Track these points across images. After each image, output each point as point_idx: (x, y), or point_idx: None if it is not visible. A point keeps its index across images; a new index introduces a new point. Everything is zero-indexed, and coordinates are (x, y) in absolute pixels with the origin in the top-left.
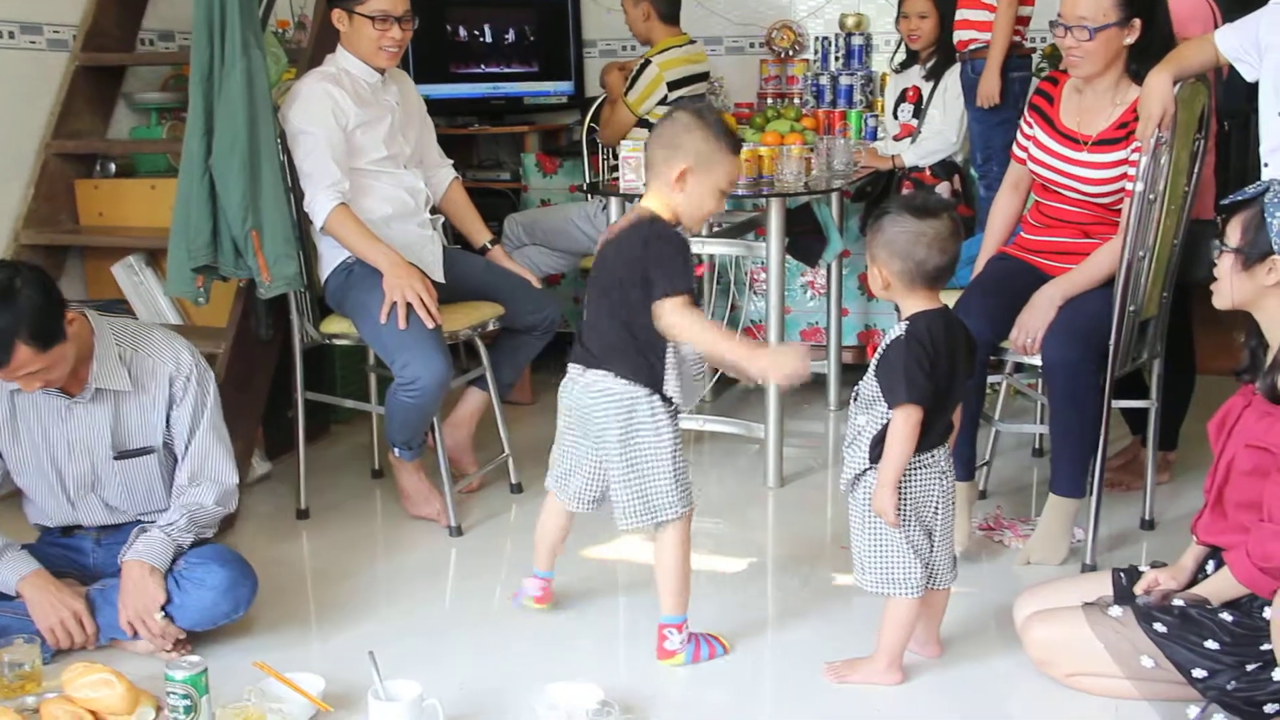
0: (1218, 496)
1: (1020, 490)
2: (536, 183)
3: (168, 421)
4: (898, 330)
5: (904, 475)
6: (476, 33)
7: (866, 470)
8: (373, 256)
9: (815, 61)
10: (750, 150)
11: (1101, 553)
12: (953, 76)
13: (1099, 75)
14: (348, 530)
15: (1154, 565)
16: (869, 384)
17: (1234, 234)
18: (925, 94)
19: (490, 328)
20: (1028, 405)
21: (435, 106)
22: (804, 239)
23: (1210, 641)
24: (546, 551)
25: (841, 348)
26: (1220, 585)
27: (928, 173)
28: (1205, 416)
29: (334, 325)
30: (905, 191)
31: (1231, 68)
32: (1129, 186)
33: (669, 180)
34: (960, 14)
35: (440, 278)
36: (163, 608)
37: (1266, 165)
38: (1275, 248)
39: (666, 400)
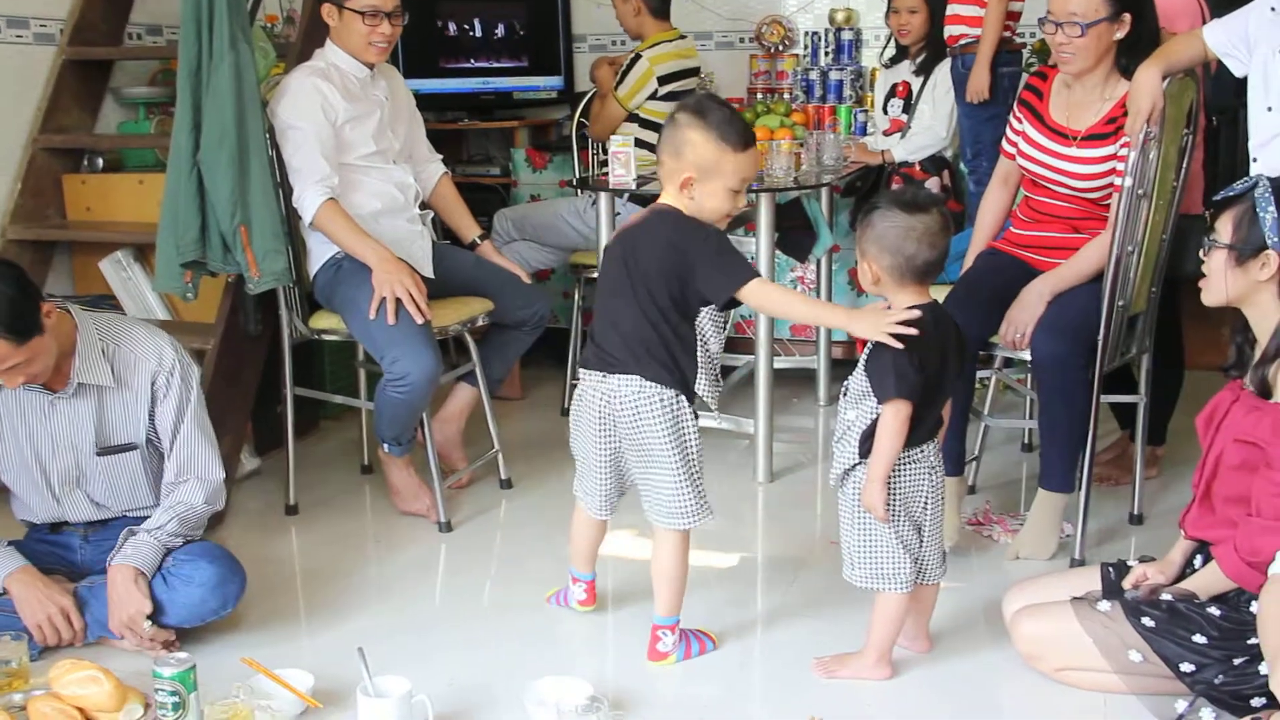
0: (1206, 491)
1: (1009, 485)
2: (526, 178)
3: (152, 418)
4: None
5: (893, 470)
6: (466, 27)
7: (856, 465)
8: (362, 252)
9: (805, 56)
10: None
11: (1090, 547)
12: (942, 72)
13: (1089, 71)
14: (337, 526)
15: (1142, 560)
16: (858, 379)
17: (1225, 230)
18: (915, 89)
19: (480, 323)
20: (1017, 400)
21: (425, 101)
22: (794, 234)
23: (1198, 636)
24: (584, 554)
25: (831, 343)
26: (1208, 580)
27: (917, 168)
28: (1193, 411)
29: (323, 321)
30: (895, 187)
31: (1220, 63)
32: (1118, 181)
33: (676, 185)
34: (950, 9)
35: (430, 273)
36: (150, 617)
37: (1255, 160)
38: (1269, 242)
39: (691, 401)
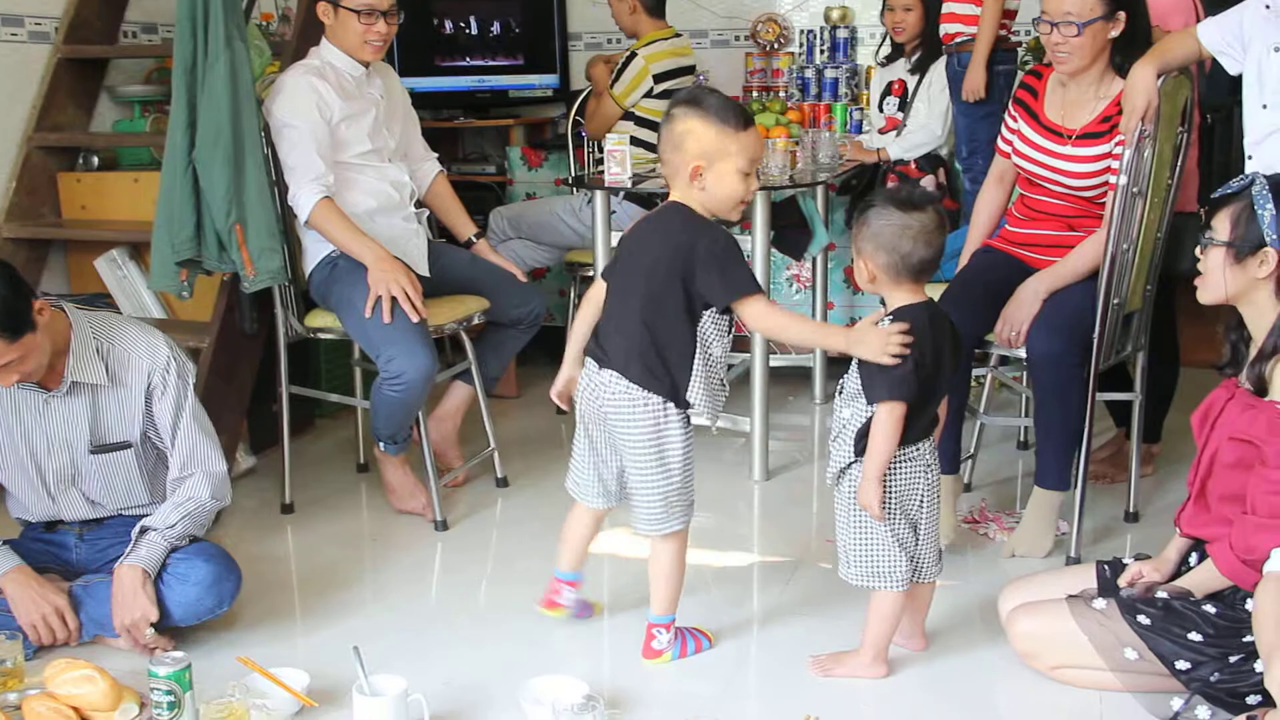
0: (1201, 489)
1: (1005, 483)
2: (522, 176)
3: (151, 416)
4: (881, 325)
5: (889, 468)
6: (462, 25)
7: (851, 464)
8: (357, 250)
9: (800, 54)
10: None
11: (1086, 545)
12: (938, 70)
13: (1084, 69)
14: (333, 525)
15: (1138, 557)
16: (853, 377)
17: (1223, 227)
18: (910, 87)
19: (475, 321)
20: (1013, 398)
21: (420, 100)
22: (789, 232)
23: (1193, 633)
24: (572, 551)
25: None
26: (1203, 577)
27: (913, 166)
28: (1189, 409)
29: (318, 319)
30: (890, 185)
31: (1214, 61)
32: (1113, 180)
33: (686, 179)
34: (946, 7)
35: (425, 271)
36: (153, 625)
37: (1250, 158)
38: (1268, 240)
39: (682, 407)
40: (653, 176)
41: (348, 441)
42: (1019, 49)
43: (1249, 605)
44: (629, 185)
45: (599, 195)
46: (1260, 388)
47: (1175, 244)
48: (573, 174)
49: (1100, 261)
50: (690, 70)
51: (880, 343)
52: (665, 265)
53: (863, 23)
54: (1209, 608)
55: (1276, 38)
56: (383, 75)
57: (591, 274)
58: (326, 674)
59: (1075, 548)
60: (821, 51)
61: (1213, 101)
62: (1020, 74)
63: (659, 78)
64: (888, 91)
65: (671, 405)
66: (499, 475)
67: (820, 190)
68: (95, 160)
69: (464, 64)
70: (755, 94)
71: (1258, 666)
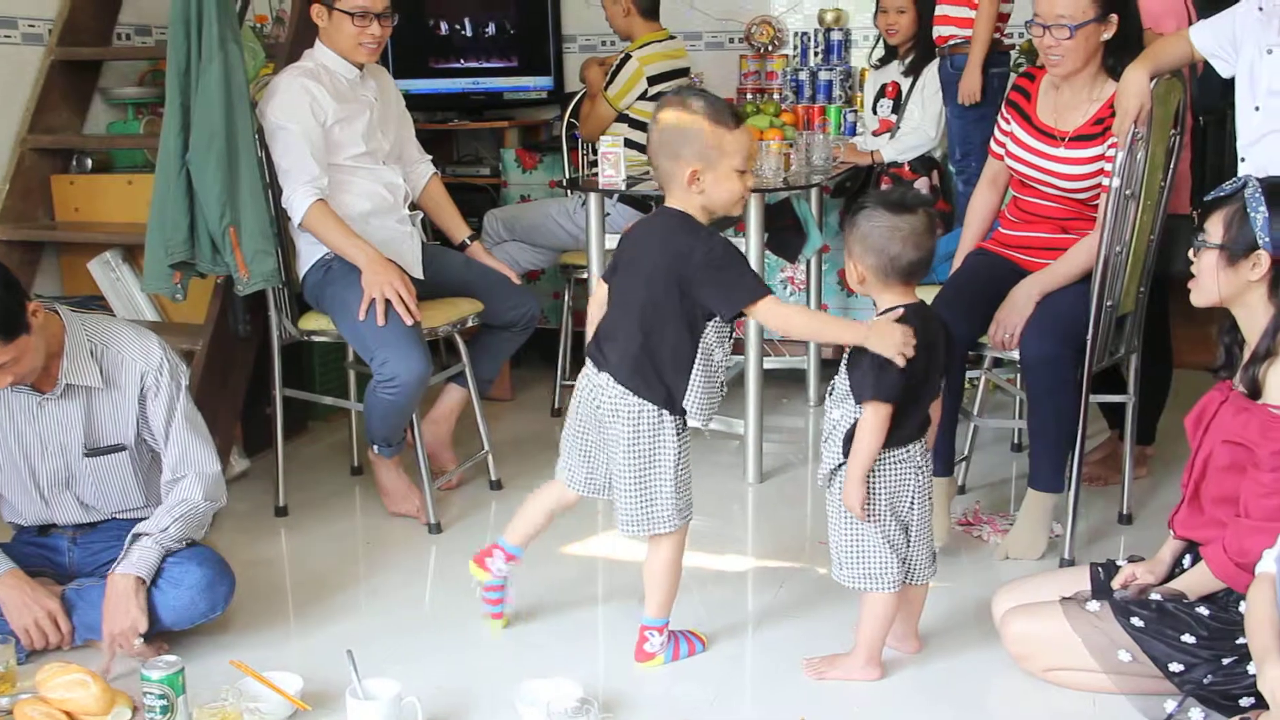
0: (1195, 491)
1: (999, 485)
2: (516, 178)
3: (145, 418)
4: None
5: (879, 470)
6: (457, 27)
7: (842, 465)
8: (351, 253)
9: (794, 57)
10: None
11: (1080, 547)
12: (931, 72)
13: (1077, 72)
14: (326, 528)
15: (1131, 560)
16: (843, 379)
17: (1216, 230)
18: (904, 89)
19: (469, 324)
20: (1006, 400)
21: (415, 102)
22: (783, 234)
23: (1187, 635)
24: (519, 525)
25: (821, 343)
26: (1197, 580)
27: (907, 168)
28: (1183, 411)
29: (312, 322)
30: (884, 187)
31: (1206, 64)
32: (1105, 182)
33: (684, 184)
34: (939, 10)
35: (419, 274)
36: (143, 635)
37: (1244, 160)
38: (1261, 242)
39: (677, 414)
40: (646, 179)
41: (342, 444)
42: (1012, 51)
43: (1242, 607)
44: (623, 187)
45: (593, 197)
46: (1254, 391)
47: (1168, 246)
48: (567, 176)
49: (1093, 264)
50: (684, 72)
51: (898, 339)
52: (664, 275)
53: (856, 25)
54: (1202, 610)
55: (1269, 40)
56: (377, 77)
57: (585, 276)
58: (320, 677)
59: (1069, 550)
60: (815, 54)
61: (1205, 104)
62: (1013, 76)
63: (653, 80)
64: (881, 94)
65: (666, 413)
66: (493, 478)
67: (814, 192)
68: (89, 162)
69: (458, 66)
70: (749, 96)
71: (1250, 669)
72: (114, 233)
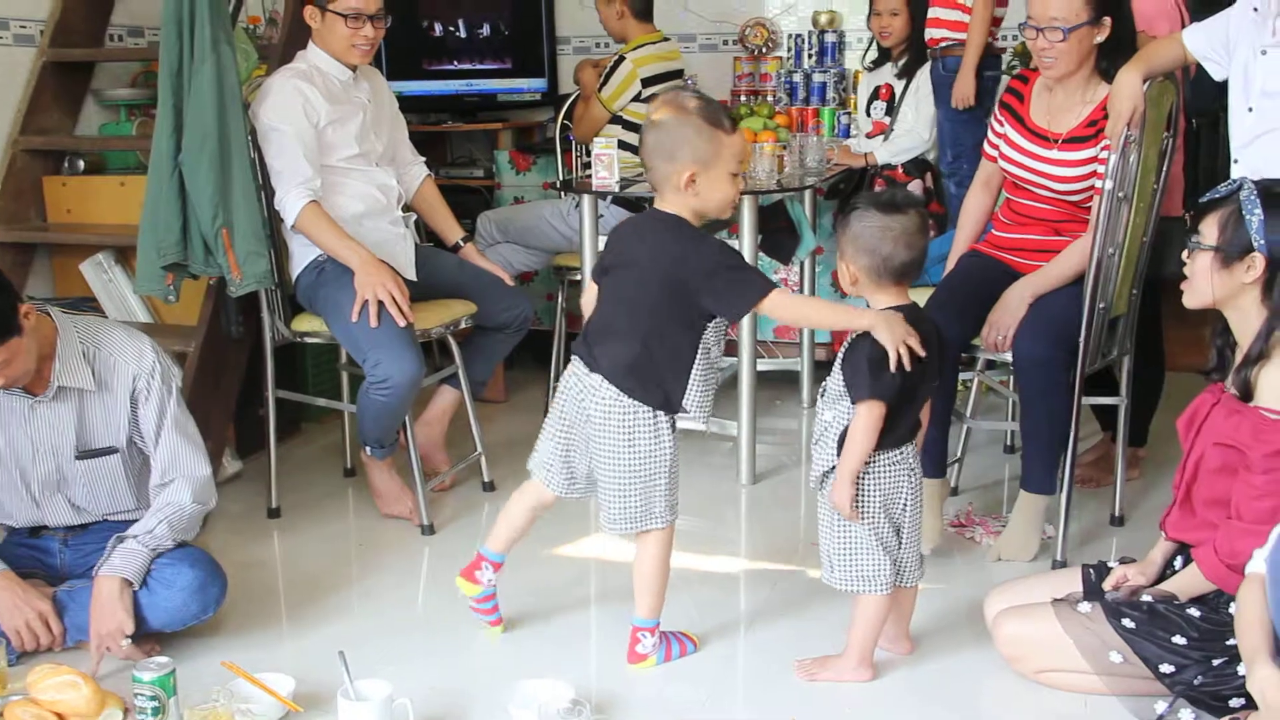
0: (1186, 493)
1: (991, 487)
2: (510, 180)
3: (136, 421)
4: None
5: (873, 471)
6: (450, 28)
7: (834, 467)
8: (344, 254)
9: (788, 59)
10: None
11: (1072, 549)
12: (925, 75)
13: (1071, 74)
14: (319, 529)
15: (1123, 561)
16: (835, 380)
17: (1210, 232)
18: (898, 92)
19: (462, 325)
20: (999, 402)
21: (408, 103)
22: (777, 236)
23: (1178, 637)
24: (501, 533)
25: (814, 345)
26: (1188, 581)
27: (900, 170)
28: (1175, 413)
29: (305, 323)
30: (877, 189)
31: (1199, 66)
32: (1098, 184)
33: (679, 186)
34: (932, 12)
35: (412, 276)
36: (129, 636)
37: (1237, 162)
38: (1256, 245)
39: (670, 414)
40: (640, 181)
41: (334, 446)
42: (1004, 54)
43: (1232, 609)
44: (617, 189)
45: (587, 199)
46: (1246, 393)
47: (1161, 248)
48: (560, 178)
49: (1086, 266)
50: (678, 74)
51: (901, 331)
52: (661, 280)
53: (850, 27)
54: (1193, 611)
55: (1263, 41)
56: (370, 79)
57: (579, 278)
58: (312, 679)
59: (1061, 551)
60: (809, 56)
61: (1198, 107)
62: (1006, 79)
63: (647, 82)
64: (875, 96)
65: (661, 414)
66: (486, 479)
67: (808, 194)
68: (81, 164)
69: (452, 68)
70: (743, 98)
71: (1241, 669)
72: (106, 234)
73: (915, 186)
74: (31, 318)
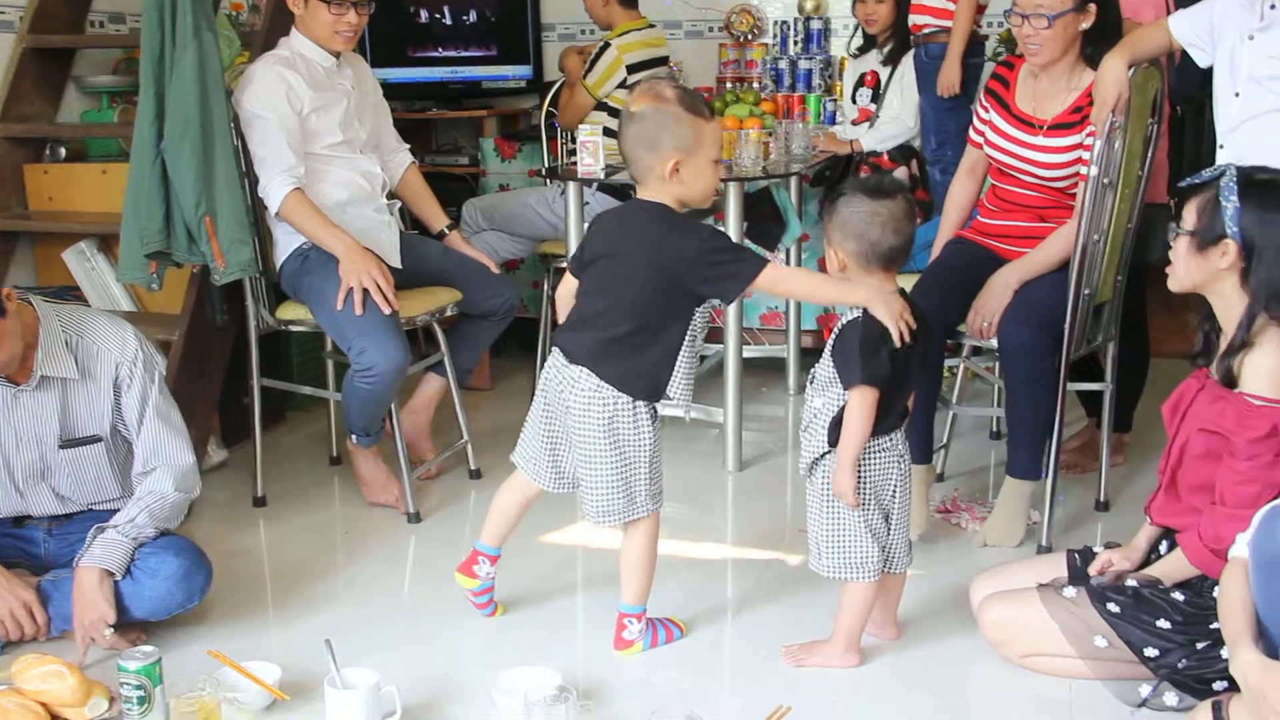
0: (1171, 479)
1: (977, 473)
2: (495, 167)
3: (119, 409)
4: (854, 312)
5: (864, 458)
6: (436, 15)
7: (825, 454)
8: (329, 242)
9: (774, 46)
10: None
11: (1057, 534)
12: (910, 61)
13: (1056, 61)
14: (305, 518)
15: (1108, 546)
16: (825, 366)
17: (1189, 217)
18: (883, 79)
19: (448, 313)
20: (985, 388)
21: (393, 91)
22: (763, 223)
23: (1162, 621)
24: (494, 526)
25: (800, 331)
26: (1172, 566)
27: (886, 157)
28: (1160, 398)
29: (290, 311)
30: (862, 176)
31: (1184, 53)
32: (1083, 170)
33: (663, 176)
34: None
35: (397, 263)
36: (112, 625)
37: (1222, 147)
38: (1228, 232)
39: (652, 401)
40: (625, 168)
41: (320, 434)
42: (987, 41)
43: (1216, 593)
44: (602, 176)
45: (572, 186)
46: (1229, 381)
47: (1145, 235)
48: (546, 165)
49: (1071, 252)
50: (664, 61)
51: (899, 306)
52: (654, 272)
53: (836, 14)
54: (1178, 595)
55: (1251, 25)
56: (353, 66)
57: (564, 265)
58: (298, 667)
59: (1046, 537)
60: (795, 43)
61: (1183, 94)
62: (992, 65)
63: (632, 69)
64: (860, 83)
65: (641, 403)
66: (472, 467)
67: (794, 181)
68: (62, 151)
69: (436, 55)
70: (729, 85)
71: (1224, 653)
72: (89, 222)
73: (901, 173)
74: (13, 301)
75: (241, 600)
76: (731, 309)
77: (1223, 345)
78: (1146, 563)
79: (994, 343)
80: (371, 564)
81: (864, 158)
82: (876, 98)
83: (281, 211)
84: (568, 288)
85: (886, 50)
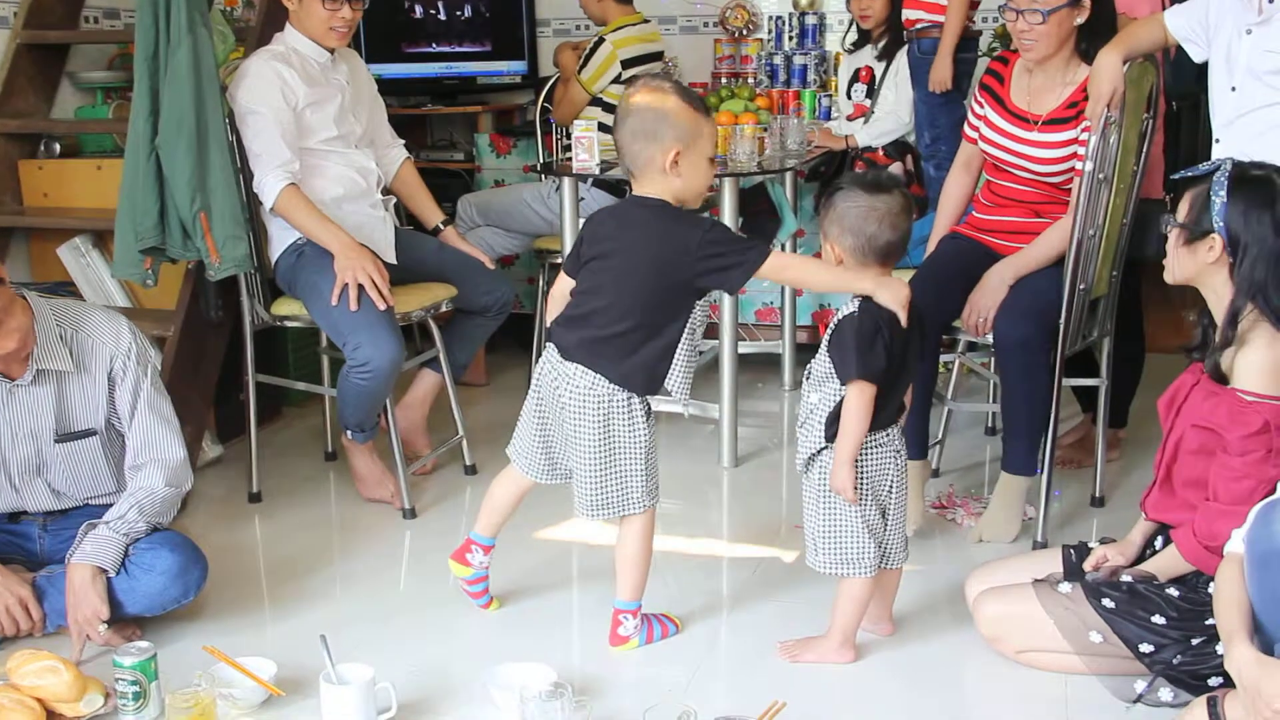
0: (1166, 474)
1: (973, 469)
2: (490, 163)
3: (113, 403)
4: (850, 307)
5: (861, 454)
6: (431, 10)
7: (821, 450)
8: (324, 237)
9: (769, 41)
10: None
11: (1052, 530)
12: (904, 56)
13: (1051, 57)
14: (300, 513)
15: (1103, 541)
16: (821, 361)
17: (1182, 209)
18: (878, 74)
19: (443, 309)
20: (980, 384)
21: (387, 86)
22: (758, 219)
23: (1157, 616)
24: (488, 516)
25: (796, 327)
26: (1167, 562)
27: (881, 153)
28: (1155, 394)
29: (285, 307)
30: (857, 171)
31: (1179, 49)
32: (1079, 166)
33: (662, 168)
34: None
35: (392, 259)
36: (107, 620)
37: (1218, 141)
38: (1215, 226)
39: (644, 396)
40: (621, 163)
41: (315, 430)
42: (979, 36)
43: (1211, 589)
44: (597, 172)
45: (567, 182)
46: (1220, 376)
47: (1140, 230)
48: (541, 161)
49: (1066, 247)
50: (658, 56)
51: (903, 294)
52: (652, 266)
53: (830, 9)
54: (1172, 591)
55: (1248, 20)
56: (348, 61)
57: (559, 261)
58: (294, 663)
59: (1042, 532)
60: (790, 38)
61: (1179, 89)
62: (985, 60)
63: (627, 64)
64: (855, 78)
65: (635, 399)
66: (467, 463)
67: (789, 177)
68: (57, 147)
69: (431, 50)
70: (724, 80)
71: (1219, 649)
72: (83, 218)
73: (896, 169)
74: (5, 276)
75: (237, 596)
76: (727, 305)
77: (1216, 340)
78: (1142, 558)
79: (989, 338)
80: (367, 560)
81: (859, 153)
82: (871, 93)
83: (276, 207)
84: (561, 287)
85: (881, 45)
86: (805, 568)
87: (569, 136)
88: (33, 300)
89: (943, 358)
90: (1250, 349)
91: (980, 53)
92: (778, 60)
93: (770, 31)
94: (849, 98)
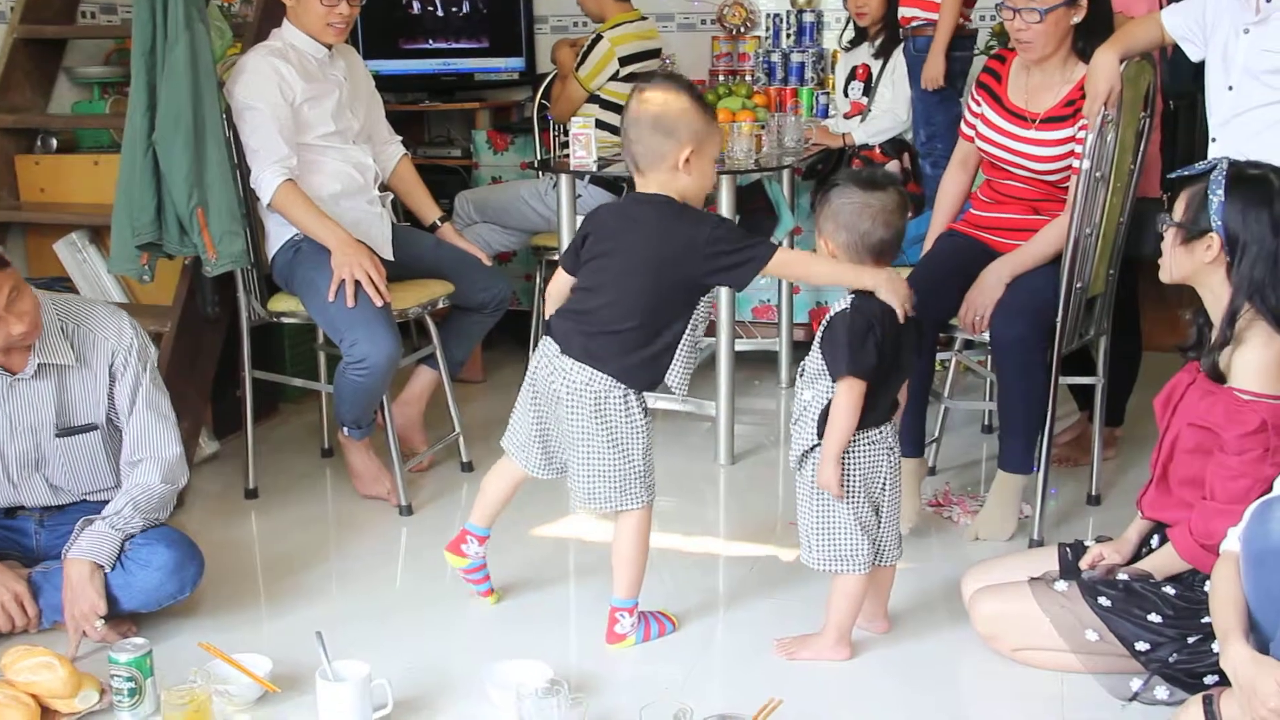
0: (1162, 473)
1: (969, 467)
2: (487, 160)
3: (111, 397)
4: (842, 304)
5: (854, 451)
6: (429, 7)
7: (814, 446)
8: (321, 234)
9: (766, 38)
10: None
11: (1049, 528)
12: (901, 54)
13: (1048, 56)
14: (297, 510)
15: (1099, 540)
16: (814, 359)
17: (1179, 208)
18: (875, 72)
19: (440, 305)
20: (977, 382)
21: (385, 82)
22: (755, 216)
23: (1153, 615)
24: (483, 507)
25: (793, 325)
26: (1163, 560)
27: (878, 150)
28: (1151, 392)
29: (282, 303)
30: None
31: (1176, 48)
32: (1076, 164)
33: (674, 165)
34: None
35: (389, 255)
36: (104, 616)
37: (1215, 140)
38: (1212, 226)
39: (643, 391)
40: (618, 160)
41: (312, 426)
42: (975, 35)
43: (1207, 587)
44: (594, 169)
45: (564, 179)
46: (1216, 375)
47: (1137, 229)
48: (538, 157)
49: (1063, 246)
50: (656, 53)
51: (905, 292)
52: (657, 263)
53: (828, 6)
54: (1169, 589)
55: (1245, 19)
56: (345, 57)
57: (557, 258)
58: (290, 659)
59: (1038, 530)
60: (787, 35)
61: (1177, 89)
62: (982, 59)
63: (625, 61)
64: (852, 76)
65: (632, 394)
66: (464, 460)
67: (786, 174)
68: (54, 142)
69: (429, 46)
70: (721, 78)
71: (1215, 647)
72: (80, 214)
73: (893, 167)
74: (15, 270)
75: (233, 592)
76: (724, 302)
77: (1212, 339)
78: (1138, 556)
79: (986, 336)
80: (363, 556)
81: (856, 151)
82: (868, 91)
83: (274, 203)
84: (559, 284)
85: (878, 43)
86: (801, 565)
87: (566, 133)
88: (34, 295)
89: (939, 355)
90: (1247, 348)
91: (977, 51)
92: (775, 58)
93: (768, 29)
94: (846, 95)
